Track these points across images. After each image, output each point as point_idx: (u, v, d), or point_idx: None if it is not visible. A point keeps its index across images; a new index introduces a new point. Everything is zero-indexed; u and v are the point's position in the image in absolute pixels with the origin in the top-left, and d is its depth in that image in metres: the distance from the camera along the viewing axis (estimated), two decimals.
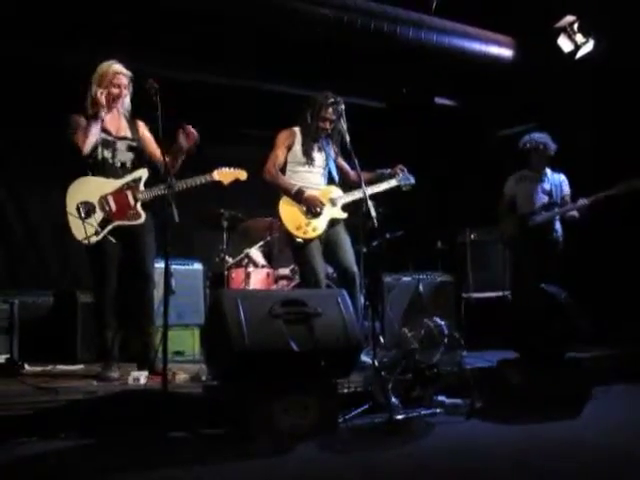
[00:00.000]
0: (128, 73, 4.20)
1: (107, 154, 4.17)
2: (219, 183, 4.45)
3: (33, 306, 5.55)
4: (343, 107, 4.38)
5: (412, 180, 4.77)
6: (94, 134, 4.08)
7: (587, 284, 5.45)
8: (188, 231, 5.70)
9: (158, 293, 4.89)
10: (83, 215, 4.01)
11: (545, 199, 5.46)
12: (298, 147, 4.57)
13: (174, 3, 5.32)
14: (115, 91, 4.15)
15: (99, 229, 4.03)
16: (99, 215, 4.06)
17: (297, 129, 4.62)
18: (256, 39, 5.73)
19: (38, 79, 5.89)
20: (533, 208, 5.46)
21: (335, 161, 4.72)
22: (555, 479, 2.60)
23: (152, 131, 4.26)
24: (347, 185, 4.71)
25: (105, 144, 4.17)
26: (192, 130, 4.13)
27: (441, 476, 2.69)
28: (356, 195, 4.49)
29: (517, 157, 5.56)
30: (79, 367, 4.92)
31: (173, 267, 5.53)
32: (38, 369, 4.78)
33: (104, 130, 4.17)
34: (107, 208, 4.09)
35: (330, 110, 4.50)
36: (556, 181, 5.52)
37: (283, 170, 4.60)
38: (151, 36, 5.58)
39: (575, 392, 3.81)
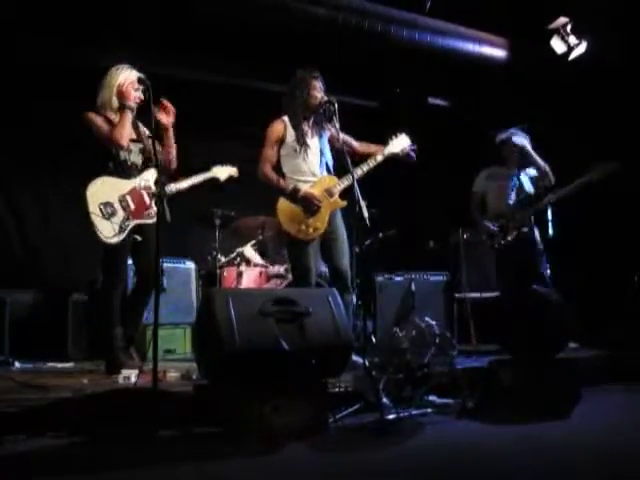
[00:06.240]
0: (148, 82, 4.21)
1: (125, 155, 4.21)
2: (216, 180, 4.64)
3: (24, 304, 5.55)
4: (336, 106, 4.25)
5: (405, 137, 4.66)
6: (129, 127, 4.13)
7: (574, 284, 5.46)
8: (180, 229, 5.69)
9: None
10: (108, 216, 4.04)
11: (517, 196, 5.41)
12: (290, 137, 4.42)
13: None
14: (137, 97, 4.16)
15: (122, 229, 4.07)
16: (120, 215, 4.09)
17: (286, 118, 4.48)
18: (249, 38, 5.72)
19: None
20: (504, 206, 5.41)
21: (334, 141, 4.50)
22: None
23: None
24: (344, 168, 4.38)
25: None
26: (168, 104, 4.16)
27: (431, 476, 2.68)
28: (351, 179, 4.21)
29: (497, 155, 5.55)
30: (69, 365, 4.92)
31: (165, 265, 5.54)
32: (28, 366, 4.78)
33: None
34: (127, 207, 4.12)
35: (317, 83, 4.42)
36: (527, 177, 5.48)
37: (279, 164, 4.47)
38: (143, 33, 5.57)
39: (566, 393, 3.81)
